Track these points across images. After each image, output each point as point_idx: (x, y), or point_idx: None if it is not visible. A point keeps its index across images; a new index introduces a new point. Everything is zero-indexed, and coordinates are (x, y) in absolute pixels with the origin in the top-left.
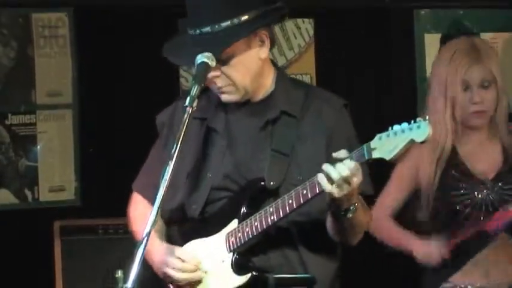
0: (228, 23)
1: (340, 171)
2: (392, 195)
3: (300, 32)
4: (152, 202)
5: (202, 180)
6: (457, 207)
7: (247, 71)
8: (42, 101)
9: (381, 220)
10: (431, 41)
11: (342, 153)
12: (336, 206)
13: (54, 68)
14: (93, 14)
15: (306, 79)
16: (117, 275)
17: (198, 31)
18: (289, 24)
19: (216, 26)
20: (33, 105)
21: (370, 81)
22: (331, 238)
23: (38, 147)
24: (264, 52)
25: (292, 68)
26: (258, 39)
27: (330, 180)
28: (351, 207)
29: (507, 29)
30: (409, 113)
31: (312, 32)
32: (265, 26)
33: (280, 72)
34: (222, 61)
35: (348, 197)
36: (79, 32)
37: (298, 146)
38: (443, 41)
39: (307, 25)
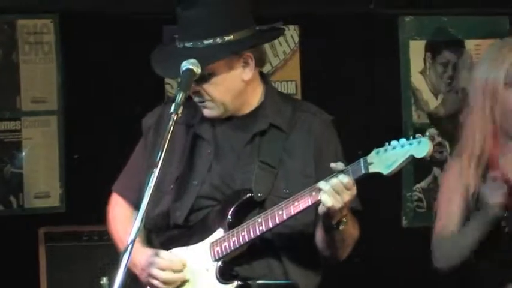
0: (211, 41)
1: (335, 187)
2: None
3: (285, 39)
4: (132, 204)
5: (188, 187)
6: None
7: (226, 90)
8: (27, 108)
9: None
10: (416, 48)
11: (339, 165)
12: (329, 219)
13: (39, 75)
14: (78, 21)
15: (291, 86)
16: (101, 282)
17: (182, 44)
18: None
19: (199, 43)
20: (18, 112)
21: (354, 88)
22: (315, 250)
23: (23, 153)
24: (247, 74)
25: (277, 74)
26: (242, 60)
27: (328, 191)
28: (343, 220)
29: (491, 36)
30: (394, 120)
31: (297, 39)
32: (249, 48)
33: (269, 87)
34: (202, 78)
35: (341, 209)
36: (64, 39)
37: (285, 159)
38: (428, 48)
39: (292, 32)
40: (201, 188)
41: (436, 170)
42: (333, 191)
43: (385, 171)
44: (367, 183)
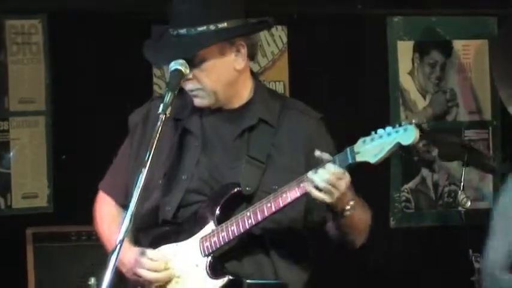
0: (204, 28)
1: (324, 178)
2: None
3: (273, 39)
4: (118, 202)
5: (177, 182)
6: None
7: (217, 77)
8: (15, 108)
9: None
10: (404, 48)
11: (325, 155)
12: (332, 209)
13: (27, 75)
14: (67, 21)
15: (280, 86)
16: (90, 282)
17: (175, 32)
18: (262, 31)
19: (193, 30)
20: (6, 112)
21: (342, 89)
22: (304, 247)
23: (11, 154)
24: (239, 63)
25: (265, 75)
26: (234, 48)
27: (317, 188)
28: (347, 206)
29: (480, 37)
30: (382, 120)
31: (285, 39)
32: (242, 36)
33: (259, 83)
34: (194, 64)
35: (340, 199)
36: (52, 39)
37: (274, 155)
38: (416, 48)
39: (280, 32)
40: (190, 182)
41: (424, 171)
42: (325, 184)
43: (372, 160)
44: (355, 184)
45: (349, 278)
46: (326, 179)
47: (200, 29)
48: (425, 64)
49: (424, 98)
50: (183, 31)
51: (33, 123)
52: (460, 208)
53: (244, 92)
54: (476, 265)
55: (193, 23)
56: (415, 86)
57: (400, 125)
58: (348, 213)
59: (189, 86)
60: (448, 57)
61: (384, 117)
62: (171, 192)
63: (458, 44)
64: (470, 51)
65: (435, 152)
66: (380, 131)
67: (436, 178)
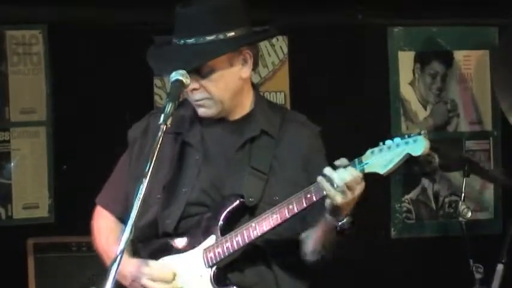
0: (213, 37)
1: (343, 177)
2: None
3: (273, 50)
4: (116, 216)
5: (177, 195)
6: None
7: (226, 87)
8: (15, 118)
9: None
10: (405, 59)
11: (343, 161)
12: (336, 214)
13: (28, 85)
14: (67, 32)
15: (280, 96)
16: None
17: (182, 41)
18: (263, 41)
19: (201, 39)
20: (6, 123)
21: (343, 99)
22: (304, 258)
23: (12, 164)
24: (245, 72)
25: (266, 85)
26: (242, 57)
27: (333, 185)
28: (346, 219)
29: (480, 47)
30: (383, 130)
31: (285, 50)
32: (250, 44)
33: (259, 94)
34: (202, 74)
35: (349, 205)
36: (53, 49)
37: (275, 167)
38: (417, 58)
39: (281, 43)
40: (190, 194)
41: (424, 181)
42: (342, 184)
43: (382, 171)
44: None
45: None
46: (344, 178)
47: (209, 38)
48: (426, 74)
49: (425, 108)
50: (191, 40)
51: (34, 134)
52: (460, 219)
53: (247, 102)
54: (477, 275)
55: (201, 32)
56: (416, 97)
57: (409, 136)
58: (345, 225)
59: (197, 95)
60: (449, 67)
61: (384, 128)
62: (171, 205)
63: (459, 55)
64: (471, 61)
65: (436, 162)
66: (388, 142)
67: (436, 188)
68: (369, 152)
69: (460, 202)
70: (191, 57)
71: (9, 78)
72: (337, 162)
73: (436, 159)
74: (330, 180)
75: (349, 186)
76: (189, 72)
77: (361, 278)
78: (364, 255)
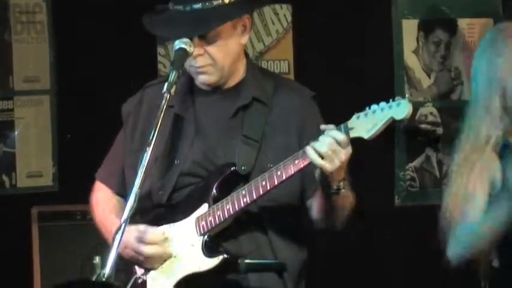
0: (220, 1)
1: (326, 142)
2: None
3: (277, 18)
4: (114, 190)
5: (169, 167)
6: None
7: (228, 52)
8: (19, 87)
9: None
10: (409, 27)
11: (329, 126)
12: (327, 182)
13: (32, 54)
14: (71, 0)
15: (284, 65)
16: (94, 261)
17: (188, 7)
18: (267, 10)
19: (207, 4)
20: (10, 91)
21: (347, 67)
22: (301, 226)
23: (16, 133)
24: (245, 38)
25: (270, 53)
26: (242, 23)
27: (319, 154)
28: (341, 183)
29: (484, 15)
30: (387, 98)
31: (289, 18)
32: (255, 8)
33: (250, 61)
34: (208, 40)
35: (338, 171)
36: (56, 18)
37: (268, 134)
38: (421, 27)
39: (285, 11)
40: (183, 165)
41: (428, 150)
42: (328, 152)
43: (366, 135)
44: (360, 163)
45: (353, 256)
46: (328, 143)
47: (215, 2)
48: (430, 42)
49: (429, 76)
50: (197, 6)
51: (37, 102)
52: None
53: (240, 70)
54: None
55: None
56: (420, 65)
57: (393, 100)
58: (342, 190)
59: (200, 61)
60: (452, 35)
61: (388, 96)
62: (164, 177)
63: (463, 23)
64: (475, 29)
65: (440, 131)
66: (374, 106)
67: (440, 157)
68: (354, 116)
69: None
70: (201, 22)
71: (12, 47)
72: (322, 127)
73: (440, 128)
74: (314, 147)
75: (334, 151)
76: (193, 38)
77: (364, 246)
78: (368, 223)
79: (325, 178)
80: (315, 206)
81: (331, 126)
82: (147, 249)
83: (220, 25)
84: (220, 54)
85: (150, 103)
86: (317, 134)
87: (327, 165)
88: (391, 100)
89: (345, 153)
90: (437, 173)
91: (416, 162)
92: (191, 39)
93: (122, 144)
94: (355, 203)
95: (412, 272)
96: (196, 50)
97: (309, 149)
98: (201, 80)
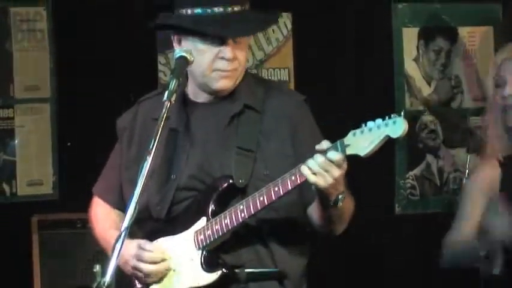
0: (246, 6)
1: (318, 161)
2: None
3: (278, 26)
4: (112, 205)
5: (166, 181)
6: None
7: (246, 59)
8: (20, 95)
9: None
10: (409, 35)
11: (324, 144)
12: (325, 196)
13: (32, 62)
14: (71, 8)
15: (284, 73)
16: (95, 269)
17: (230, 9)
18: None
19: (241, 7)
20: (11, 99)
21: (347, 75)
22: (301, 234)
23: (16, 141)
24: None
25: (270, 62)
26: None
27: (313, 172)
28: (340, 196)
29: (484, 23)
30: (387, 107)
31: (290, 26)
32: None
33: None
34: (240, 45)
35: (334, 186)
36: (57, 26)
37: (262, 141)
38: (421, 35)
39: (285, 19)
40: (180, 180)
41: (429, 157)
42: (321, 170)
43: (362, 153)
44: (360, 170)
45: (353, 264)
46: (320, 162)
47: (242, 7)
48: (431, 51)
49: (429, 84)
50: (237, 8)
51: (38, 111)
52: None
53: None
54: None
55: (236, 1)
56: (420, 73)
57: (389, 117)
58: (340, 203)
59: (232, 65)
60: (453, 43)
61: (389, 104)
62: (161, 192)
63: (463, 31)
64: (475, 37)
65: (440, 138)
66: (370, 123)
67: (441, 164)
68: (350, 133)
69: (464, 178)
70: (254, 22)
71: (13, 55)
72: (317, 147)
73: (440, 135)
74: (308, 166)
75: (327, 170)
76: (226, 41)
77: (364, 254)
78: (368, 231)
79: (322, 192)
80: (314, 214)
81: (326, 143)
82: (146, 268)
83: (273, 24)
84: (244, 60)
85: (145, 117)
86: (311, 139)
87: (321, 182)
88: (387, 117)
89: (338, 171)
90: (438, 181)
91: (416, 171)
92: (226, 43)
93: (118, 159)
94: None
95: (412, 279)
96: (231, 53)
97: (303, 168)
98: (222, 84)
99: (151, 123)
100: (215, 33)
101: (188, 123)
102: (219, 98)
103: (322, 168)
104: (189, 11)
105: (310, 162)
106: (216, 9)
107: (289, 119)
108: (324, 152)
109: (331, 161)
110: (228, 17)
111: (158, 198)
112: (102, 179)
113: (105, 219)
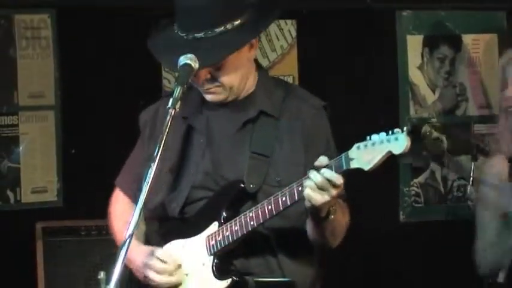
0: (222, 28)
1: (318, 181)
2: None
3: (282, 34)
4: (132, 198)
5: (182, 178)
6: None
7: (235, 73)
8: (24, 103)
9: None
10: (414, 43)
11: (323, 160)
12: (316, 211)
13: (37, 70)
14: (76, 16)
15: (289, 80)
16: (99, 277)
17: (191, 36)
18: (272, 26)
19: (209, 32)
20: (15, 107)
21: (352, 83)
22: (309, 243)
23: (20, 148)
24: (252, 54)
25: (275, 69)
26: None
27: (312, 188)
28: (331, 210)
29: (488, 31)
30: (392, 114)
31: (294, 34)
32: (261, 32)
33: (263, 72)
34: (215, 67)
35: (328, 203)
36: (61, 34)
37: (276, 147)
38: (426, 42)
39: (289, 27)
40: (195, 177)
41: (433, 165)
42: (318, 188)
43: (366, 167)
44: (364, 178)
45: (358, 272)
46: (320, 184)
47: (218, 30)
48: (435, 58)
49: (434, 92)
50: (199, 35)
51: (42, 118)
52: (469, 202)
53: (251, 83)
54: None
55: (207, 24)
56: (425, 81)
57: (393, 133)
58: (331, 217)
59: (206, 85)
60: (457, 51)
61: (393, 112)
62: (177, 188)
63: (467, 39)
64: (479, 45)
65: (444, 146)
66: (374, 137)
67: (445, 172)
68: (355, 146)
69: (469, 186)
70: (209, 52)
71: (17, 63)
72: (316, 163)
73: (445, 143)
74: (305, 184)
75: (326, 189)
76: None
77: (369, 261)
78: (373, 238)
79: (313, 206)
80: (309, 227)
81: (324, 160)
82: (157, 279)
83: (226, 56)
84: (228, 77)
85: (165, 114)
86: (323, 150)
87: (318, 199)
88: (390, 132)
89: (335, 189)
90: (442, 189)
91: (421, 178)
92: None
93: (140, 151)
94: (348, 220)
95: (416, 287)
96: (202, 74)
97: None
98: (209, 98)
99: (174, 120)
100: (160, 60)
101: (206, 121)
102: (235, 101)
103: (318, 186)
104: (175, 28)
105: (308, 181)
106: (183, 35)
107: (304, 126)
108: (320, 168)
109: (328, 180)
110: (186, 44)
111: (173, 195)
112: (124, 171)
113: (121, 218)
